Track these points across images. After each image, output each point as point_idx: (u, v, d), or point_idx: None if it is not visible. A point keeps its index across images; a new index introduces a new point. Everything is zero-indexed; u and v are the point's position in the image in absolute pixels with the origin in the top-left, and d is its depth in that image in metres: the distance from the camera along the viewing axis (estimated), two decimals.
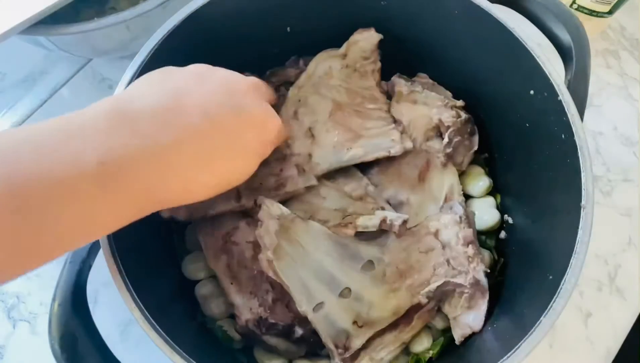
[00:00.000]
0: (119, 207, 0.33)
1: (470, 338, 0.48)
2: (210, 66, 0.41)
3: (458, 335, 0.48)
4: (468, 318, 0.48)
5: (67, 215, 0.30)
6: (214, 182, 0.38)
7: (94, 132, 0.31)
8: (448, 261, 0.48)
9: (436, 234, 0.49)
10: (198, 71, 0.40)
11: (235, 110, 0.38)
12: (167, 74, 0.39)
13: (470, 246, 0.48)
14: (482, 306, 0.47)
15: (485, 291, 0.48)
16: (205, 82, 0.38)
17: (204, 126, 0.36)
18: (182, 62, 0.48)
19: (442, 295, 0.48)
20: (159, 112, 0.34)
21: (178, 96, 0.36)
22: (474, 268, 0.47)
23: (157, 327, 0.39)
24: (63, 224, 0.30)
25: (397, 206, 0.53)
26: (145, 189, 0.33)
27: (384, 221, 0.48)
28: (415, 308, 0.48)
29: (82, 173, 0.30)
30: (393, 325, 0.47)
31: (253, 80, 0.43)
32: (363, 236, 0.49)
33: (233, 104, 0.38)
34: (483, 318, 0.47)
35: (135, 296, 0.39)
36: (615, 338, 0.58)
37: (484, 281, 0.48)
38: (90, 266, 0.42)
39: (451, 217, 0.50)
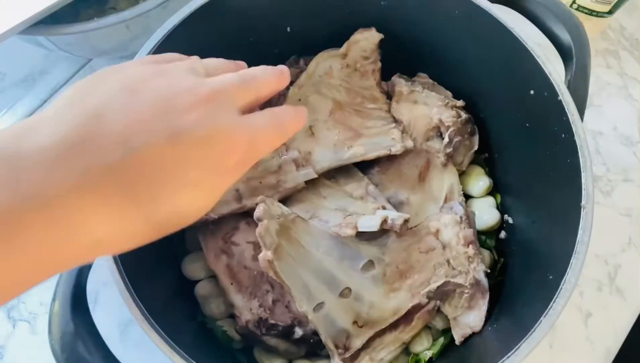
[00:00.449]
0: (14, 268, 0.26)
1: (470, 338, 0.48)
2: (152, 67, 0.32)
3: (458, 335, 0.48)
4: (468, 319, 0.48)
5: None
6: (152, 226, 0.30)
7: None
8: (448, 261, 0.48)
9: (436, 234, 0.49)
10: (132, 79, 0.30)
11: (170, 137, 0.28)
12: (94, 85, 0.30)
13: (470, 246, 0.48)
14: (483, 306, 0.47)
15: (485, 291, 0.48)
16: (135, 98, 0.29)
17: (123, 164, 0.27)
18: None
19: (442, 295, 0.48)
20: (58, 151, 0.26)
21: (92, 123, 0.27)
22: (474, 268, 0.48)
23: (157, 327, 0.39)
24: None
25: (397, 206, 0.53)
26: (39, 249, 0.26)
27: (385, 221, 0.48)
28: (416, 309, 0.48)
29: None
30: (393, 325, 0.47)
31: (200, 87, 0.31)
32: (363, 236, 0.49)
33: (167, 129, 0.28)
34: (483, 319, 0.47)
35: (135, 296, 0.39)
36: (616, 338, 0.58)
37: (484, 281, 0.48)
38: (90, 267, 0.42)
39: (451, 217, 0.50)
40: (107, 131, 0.27)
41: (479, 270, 0.48)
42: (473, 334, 0.48)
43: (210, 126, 0.30)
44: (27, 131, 0.27)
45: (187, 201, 0.30)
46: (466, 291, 0.47)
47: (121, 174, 0.27)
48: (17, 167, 0.25)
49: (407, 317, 0.48)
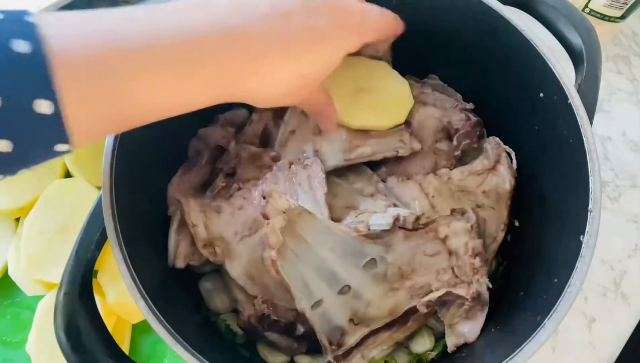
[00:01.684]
0: (198, 88, 0.34)
1: (464, 346, 0.48)
2: None
3: (451, 344, 0.48)
4: (464, 329, 0.48)
5: (136, 87, 0.31)
6: (289, 74, 0.37)
7: (172, 13, 0.33)
8: (452, 269, 0.48)
9: (444, 240, 0.49)
10: None
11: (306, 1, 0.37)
12: None
13: (477, 258, 0.48)
14: (480, 319, 0.47)
15: (485, 305, 0.47)
16: None
17: (268, 14, 0.35)
18: None
19: (441, 303, 0.48)
20: (229, 2, 0.34)
21: None
22: (478, 280, 0.47)
23: (162, 318, 0.39)
24: (133, 93, 0.31)
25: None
26: (224, 74, 0.34)
27: (397, 219, 0.48)
28: (412, 311, 0.47)
29: (157, 46, 0.31)
30: (388, 325, 0.47)
31: None
32: (370, 234, 0.49)
33: None
34: (479, 331, 0.47)
35: (141, 287, 0.39)
36: (619, 344, 0.58)
37: (485, 295, 0.47)
38: (96, 257, 0.42)
39: (462, 225, 0.49)
40: None
41: (482, 283, 0.47)
42: (466, 344, 0.48)
43: None
44: None
45: (320, 52, 0.37)
46: (466, 303, 0.47)
47: (268, 21, 0.35)
48: (209, 9, 0.33)
49: (402, 318, 0.48)
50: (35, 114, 0.27)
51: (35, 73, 0.27)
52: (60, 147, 0.30)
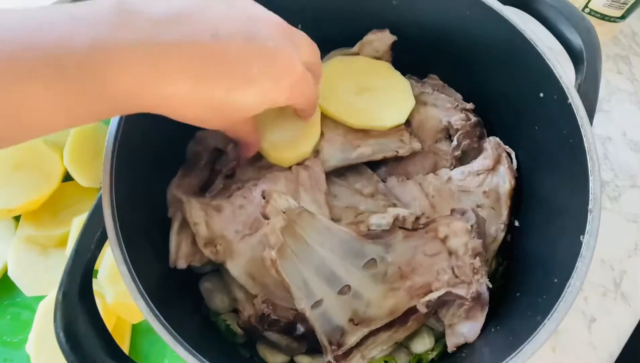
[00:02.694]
0: (94, 97, 0.32)
1: (465, 345, 0.48)
2: (251, 0, 0.40)
3: (451, 343, 0.48)
4: (464, 329, 0.48)
5: (44, 91, 0.30)
6: (204, 103, 0.36)
7: (94, 20, 0.31)
8: (452, 269, 0.48)
9: (444, 240, 0.49)
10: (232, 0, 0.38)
11: (247, 36, 0.36)
12: None
13: (477, 258, 0.48)
14: (480, 319, 0.47)
15: (485, 305, 0.47)
16: (230, 9, 0.37)
17: (207, 43, 0.34)
18: None
19: (440, 303, 0.48)
20: (165, 18, 0.33)
21: (192, 10, 0.34)
22: (478, 281, 0.47)
23: (162, 318, 0.39)
24: (37, 98, 0.30)
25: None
26: (126, 86, 0.32)
27: (397, 218, 0.48)
28: (412, 311, 0.47)
29: (69, 51, 0.30)
30: (388, 325, 0.47)
31: (286, 23, 0.40)
32: (370, 234, 0.49)
33: (247, 31, 0.36)
34: (479, 331, 0.47)
35: (140, 287, 0.39)
36: (619, 344, 0.58)
37: (485, 295, 0.47)
38: (96, 257, 0.42)
39: (462, 225, 0.49)
40: (202, 19, 0.34)
41: (482, 283, 0.47)
42: (466, 344, 0.48)
43: (280, 45, 0.38)
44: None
45: (242, 93, 0.36)
46: (466, 303, 0.47)
47: (203, 50, 0.34)
48: (135, 17, 0.32)
49: (402, 318, 0.47)
50: None
51: None
52: None
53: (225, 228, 0.48)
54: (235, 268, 0.47)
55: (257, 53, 0.36)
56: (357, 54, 0.56)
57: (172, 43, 0.33)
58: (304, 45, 0.42)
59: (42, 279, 0.55)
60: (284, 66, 0.38)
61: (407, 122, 0.55)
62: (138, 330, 0.56)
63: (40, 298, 0.54)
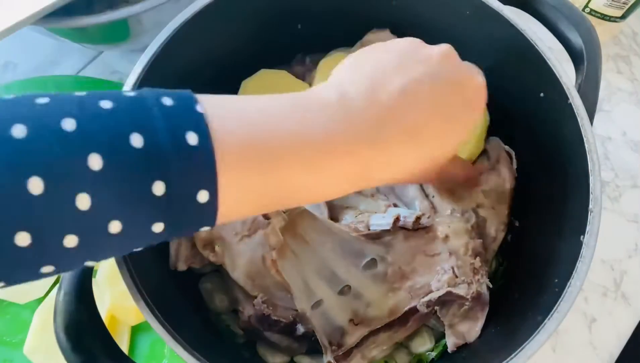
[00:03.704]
0: (333, 180, 0.34)
1: (465, 345, 0.48)
2: (409, 41, 0.40)
3: (451, 344, 0.48)
4: (464, 329, 0.47)
5: (279, 181, 0.31)
6: (423, 156, 0.36)
7: (318, 113, 0.33)
8: (453, 269, 0.48)
9: (444, 240, 0.48)
10: (394, 48, 0.39)
11: (430, 79, 0.36)
12: (363, 58, 0.39)
13: (477, 258, 0.48)
14: (480, 319, 0.47)
15: (485, 305, 0.47)
16: (402, 59, 0.37)
17: (398, 103, 0.34)
18: (193, 55, 0.48)
19: (441, 303, 0.48)
20: (361, 99, 0.34)
21: (374, 81, 0.35)
22: (478, 281, 0.47)
23: (162, 319, 0.39)
24: (275, 185, 0.31)
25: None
26: (356, 166, 0.34)
27: (397, 219, 0.48)
28: (412, 311, 0.47)
29: (308, 140, 0.32)
30: (388, 325, 0.47)
31: (444, 47, 0.39)
32: (370, 234, 0.49)
33: (428, 75, 0.36)
34: (479, 331, 0.47)
35: (140, 287, 0.39)
36: (619, 344, 0.58)
37: (485, 295, 0.47)
38: None
39: (462, 225, 0.49)
40: (387, 86, 0.35)
41: (482, 283, 0.47)
42: (466, 344, 0.47)
43: (457, 68, 0.38)
44: (340, 86, 0.35)
45: (453, 136, 0.37)
46: (467, 303, 0.47)
47: (401, 110, 0.34)
48: (348, 111, 0.34)
49: (402, 318, 0.47)
50: (195, 203, 0.28)
51: (203, 167, 0.28)
52: (205, 227, 0.31)
53: (224, 230, 0.48)
54: (235, 269, 0.47)
55: (446, 91, 0.36)
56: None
57: (377, 121, 0.34)
58: (458, 58, 0.41)
59: (35, 284, 0.55)
60: (471, 88, 0.38)
61: None
62: (137, 330, 0.56)
63: (41, 299, 0.54)
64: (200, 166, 0.28)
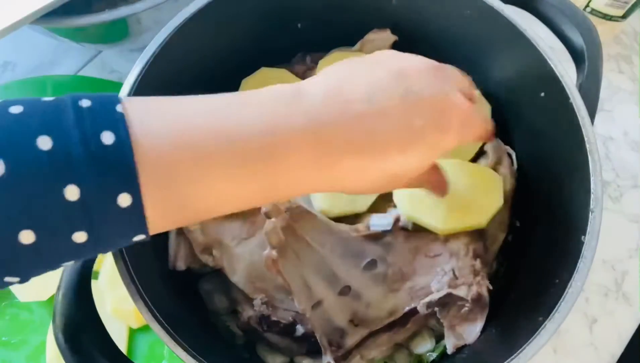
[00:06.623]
0: (256, 185, 0.32)
1: (465, 346, 0.48)
2: (392, 53, 0.38)
3: (450, 345, 0.47)
4: (464, 330, 0.47)
5: (205, 186, 0.30)
6: (376, 174, 0.35)
7: (257, 107, 0.31)
8: (453, 271, 0.47)
9: (445, 241, 0.49)
10: (374, 59, 0.37)
11: (402, 94, 0.34)
12: (344, 64, 0.37)
13: (478, 259, 0.47)
14: (480, 320, 0.47)
15: (485, 306, 0.47)
16: (376, 69, 0.35)
17: (364, 112, 0.33)
18: (193, 55, 0.48)
19: (441, 304, 0.48)
20: (323, 98, 0.33)
21: (341, 84, 0.34)
22: (479, 282, 0.47)
23: (161, 319, 0.39)
24: (204, 190, 0.30)
25: None
26: (298, 169, 0.32)
27: (398, 219, 0.48)
28: (412, 313, 0.47)
29: (238, 139, 0.30)
30: (388, 326, 0.47)
31: (432, 63, 0.38)
32: (370, 234, 0.49)
33: (398, 87, 0.34)
34: (479, 333, 0.47)
35: (140, 288, 0.39)
36: (620, 344, 0.58)
37: (485, 297, 0.47)
38: (94, 260, 0.42)
39: None
40: (353, 90, 0.33)
41: (482, 285, 0.47)
42: (465, 345, 0.47)
43: (435, 90, 0.35)
44: (307, 84, 0.34)
45: (413, 153, 0.35)
46: (467, 305, 0.47)
47: (362, 119, 0.33)
48: (301, 103, 0.32)
49: (402, 319, 0.47)
50: (116, 208, 0.26)
51: (120, 167, 0.26)
52: (137, 237, 0.29)
53: (222, 233, 0.48)
54: (234, 273, 0.47)
55: (416, 108, 0.34)
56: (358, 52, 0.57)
57: (333, 122, 0.32)
58: (454, 76, 0.39)
59: (36, 283, 0.55)
60: (446, 109, 0.36)
61: None
62: (136, 331, 0.55)
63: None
64: (117, 166, 0.26)
